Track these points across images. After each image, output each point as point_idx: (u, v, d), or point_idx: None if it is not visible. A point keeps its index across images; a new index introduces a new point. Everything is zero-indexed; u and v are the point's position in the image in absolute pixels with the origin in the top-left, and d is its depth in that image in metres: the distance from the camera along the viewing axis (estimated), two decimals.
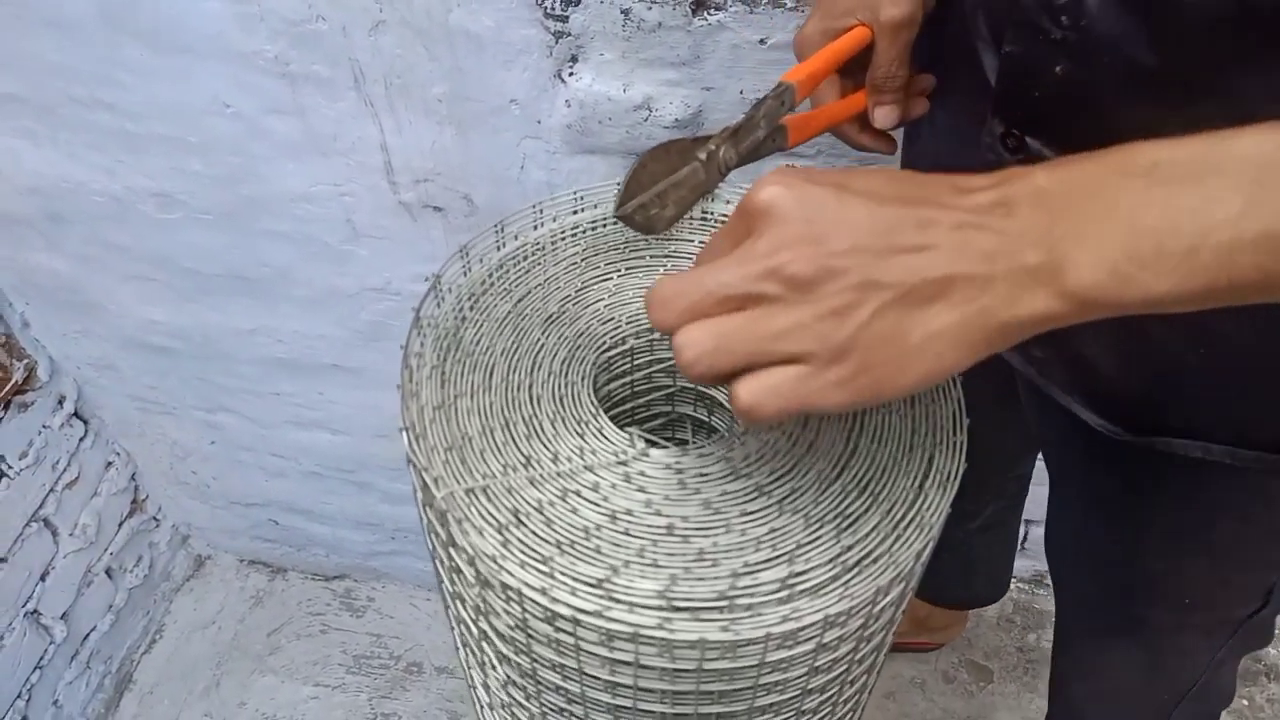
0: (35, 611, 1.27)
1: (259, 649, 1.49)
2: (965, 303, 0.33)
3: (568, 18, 0.79)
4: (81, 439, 1.32)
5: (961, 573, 1.18)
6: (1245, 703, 1.31)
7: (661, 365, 0.53)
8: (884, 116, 0.57)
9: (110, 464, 1.39)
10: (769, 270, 0.33)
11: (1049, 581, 1.43)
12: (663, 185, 0.51)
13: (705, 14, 0.77)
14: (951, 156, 0.58)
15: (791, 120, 0.56)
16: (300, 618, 1.53)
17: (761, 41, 0.78)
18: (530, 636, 0.41)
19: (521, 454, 0.44)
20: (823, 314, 0.33)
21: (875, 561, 0.41)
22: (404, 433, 0.43)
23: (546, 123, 0.88)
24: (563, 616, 0.39)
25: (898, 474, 0.44)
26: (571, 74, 0.83)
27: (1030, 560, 1.37)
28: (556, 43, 0.81)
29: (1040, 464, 1.02)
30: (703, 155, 0.52)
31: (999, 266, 0.33)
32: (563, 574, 0.39)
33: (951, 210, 0.34)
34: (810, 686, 0.44)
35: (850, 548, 0.41)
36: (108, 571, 1.40)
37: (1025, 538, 1.30)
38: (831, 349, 0.33)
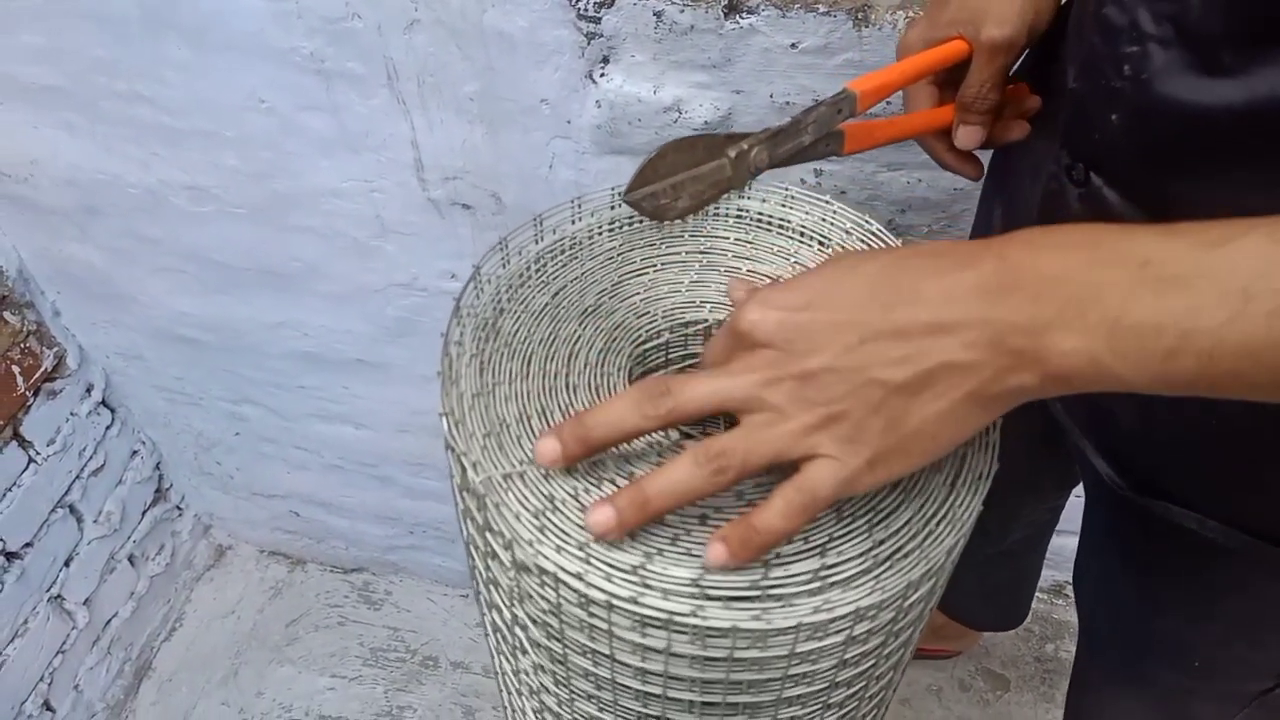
0: (59, 597, 1.29)
1: (277, 639, 1.51)
2: (953, 389, 0.35)
3: (600, 19, 0.80)
4: (108, 427, 1.34)
5: (976, 594, 1.17)
6: None
7: (696, 360, 0.54)
8: (966, 137, 0.56)
9: (136, 453, 1.40)
10: (763, 387, 0.37)
11: (1069, 592, 1.43)
12: (681, 176, 0.51)
13: (737, 17, 0.78)
14: (1031, 174, 0.57)
15: (854, 126, 0.54)
16: (319, 609, 1.54)
17: (793, 46, 0.79)
18: (563, 622, 0.42)
19: None
20: (825, 419, 0.36)
21: (906, 556, 0.41)
22: (444, 418, 0.44)
23: (576, 123, 0.88)
24: (597, 602, 0.39)
25: (930, 471, 0.45)
26: (603, 75, 0.84)
27: (1051, 570, 1.36)
28: (589, 44, 0.82)
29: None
30: (733, 153, 0.52)
31: (984, 354, 0.35)
32: (598, 559, 0.40)
33: (930, 306, 0.35)
34: (838, 680, 0.44)
35: (882, 542, 0.42)
36: (130, 559, 1.42)
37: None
38: (858, 437, 0.36)
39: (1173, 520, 0.55)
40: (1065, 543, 1.16)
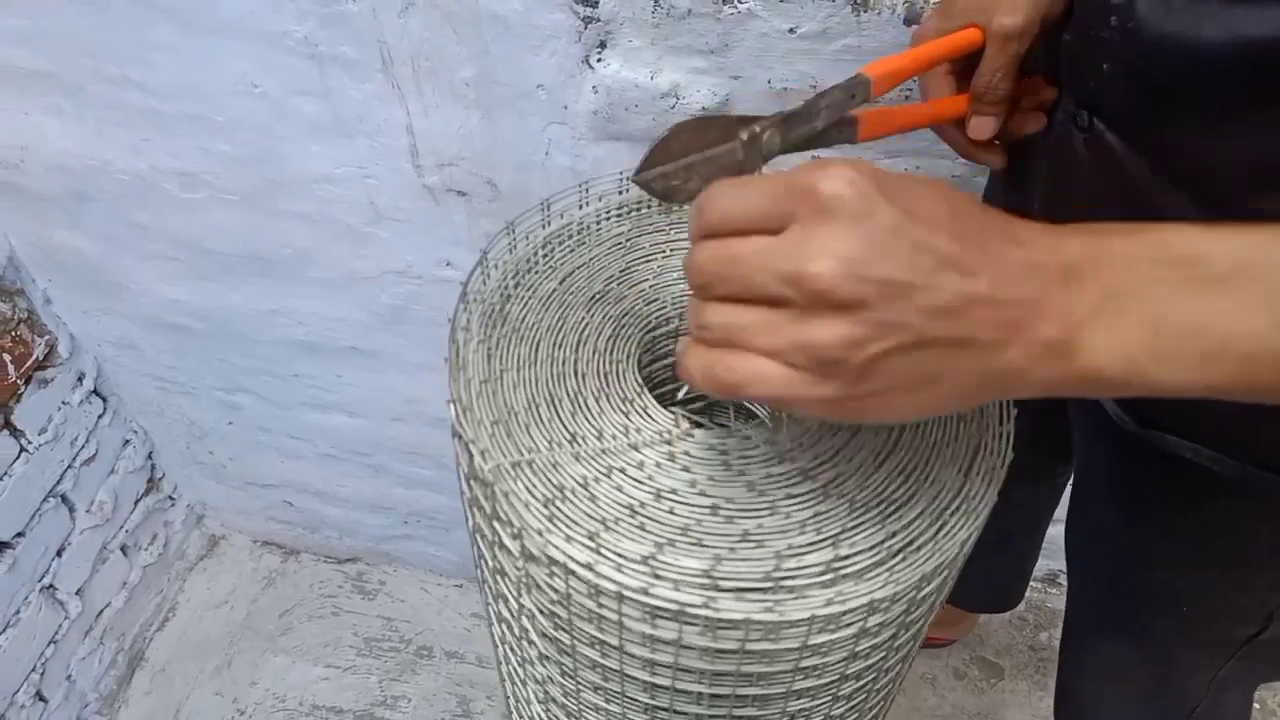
0: (51, 586, 1.28)
1: (271, 629, 1.50)
2: (974, 365, 0.32)
3: (597, 3, 0.79)
4: (100, 416, 1.32)
5: (971, 574, 1.17)
6: (1257, 706, 1.32)
7: None
8: (978, 127, 0.55)
9: (128, 442, 1.39)
10: (800, 275, 0.32)
11: (1062, 581, 1.43)
12: (694, 158, 0.50)
13: (735, 2, 0.77)
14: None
15: (868, 114, 0.53)
16: (312, 599, 1.54)
17: (791, 30, 0.78)
18: (572, 613, 0.42)
19: (567, 430, 0.44)
20: (835, 340, 0.32)
21: (919, 549, 0.41)
22: (451, 405, 0.44)
23: (573, 108, 0.87)
24: (607, 593, 0.39)
25: (942, 463, 0.44)
26: (599, 60, 0.83)
27: (1045, 560, 1.36)
28: (585, 28, 0.81)
29: None
30: (745, 136, 0.51)
31: (1015, 335, 0.32)
32: (608, 550, 0.39)
33: (995, 266, 0.32)
34: (848, 672, 0.44)
35: (895, 534, 0.41)
36: (123, 549, 1.41)
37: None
38: (829, 372, 0.32)
39: (1169, 451, 0.56)
40: (1059, 531, 1.16)
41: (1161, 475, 0.61)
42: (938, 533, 0.41)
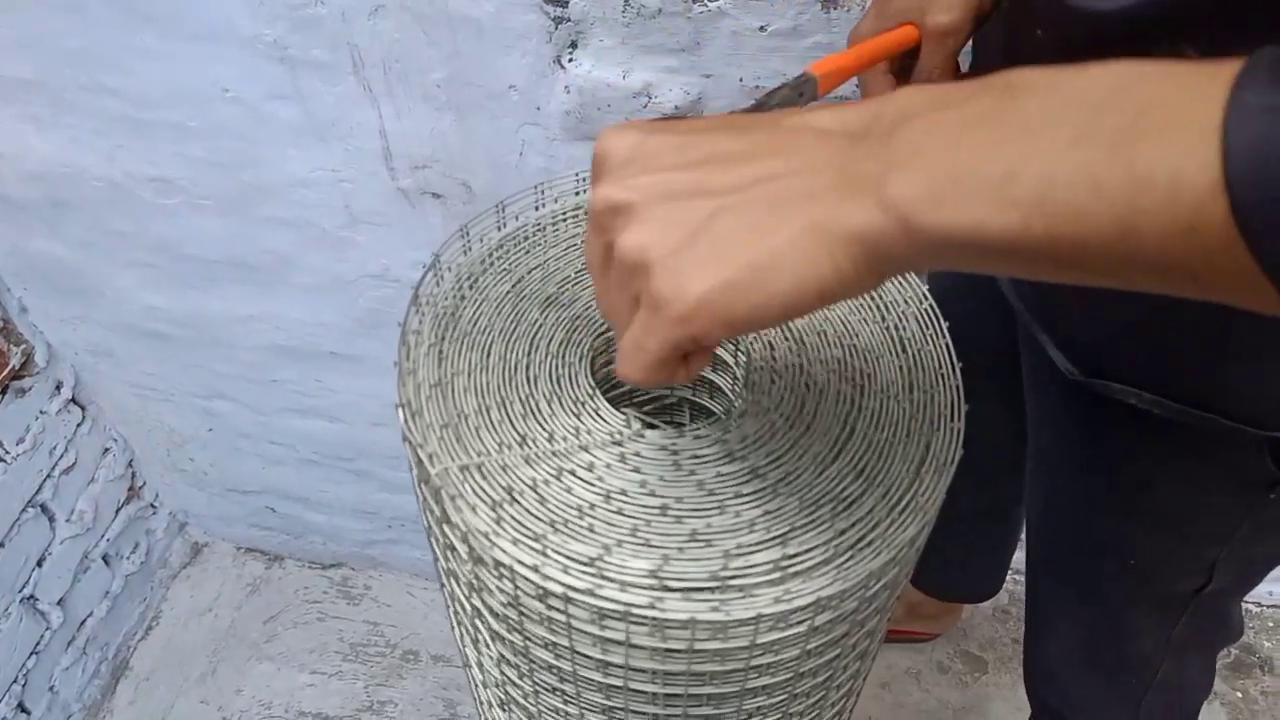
0: (32, 597, 1.27)
1: (256, 636, 1.49)
2: (799, 212, 0.30)
3: (568, 3, 0.79)
4: (79, 425, 1.32)
5: (945, 562, 1.17)
6: (1240, 695, 1.32)
7: None
8: None
9: (107, 450, 1.39)
10: (596, 212, 0.33)
11: None
12: None
13: (706, 0, 0.77)
14: None
15: None
16: (297, 605, 1.53)
17: (761, 28, 0.78)
18: (523, 614, 0.41)
19: (517, 432, 0.44)
20: (634, 243, 0.32)
21: (869, 545, 0.41)
22: (400, 409, 0.43)
23: (545, 109, 0.87)
24: (554, 594, 0.39)
25: (894, 459, 0.44)
26: (571, 60, 0.83)
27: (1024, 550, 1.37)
28: (556, 28, 0.81)
29: None
30: None
31: (830, 175, 0.30)
32: (555, 552, 0.39)
33: (785, 127, 0.32)
34: (803, 670, 0.44)
35: (844, 531, 0.41)
36: (104, 558, 1.40)
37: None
38: (645, 278, 0.32)
39: (1114, 397, 0.59)
40: None
41: (1105, 423, 0.64)
42: (888, 529, 0.41)
